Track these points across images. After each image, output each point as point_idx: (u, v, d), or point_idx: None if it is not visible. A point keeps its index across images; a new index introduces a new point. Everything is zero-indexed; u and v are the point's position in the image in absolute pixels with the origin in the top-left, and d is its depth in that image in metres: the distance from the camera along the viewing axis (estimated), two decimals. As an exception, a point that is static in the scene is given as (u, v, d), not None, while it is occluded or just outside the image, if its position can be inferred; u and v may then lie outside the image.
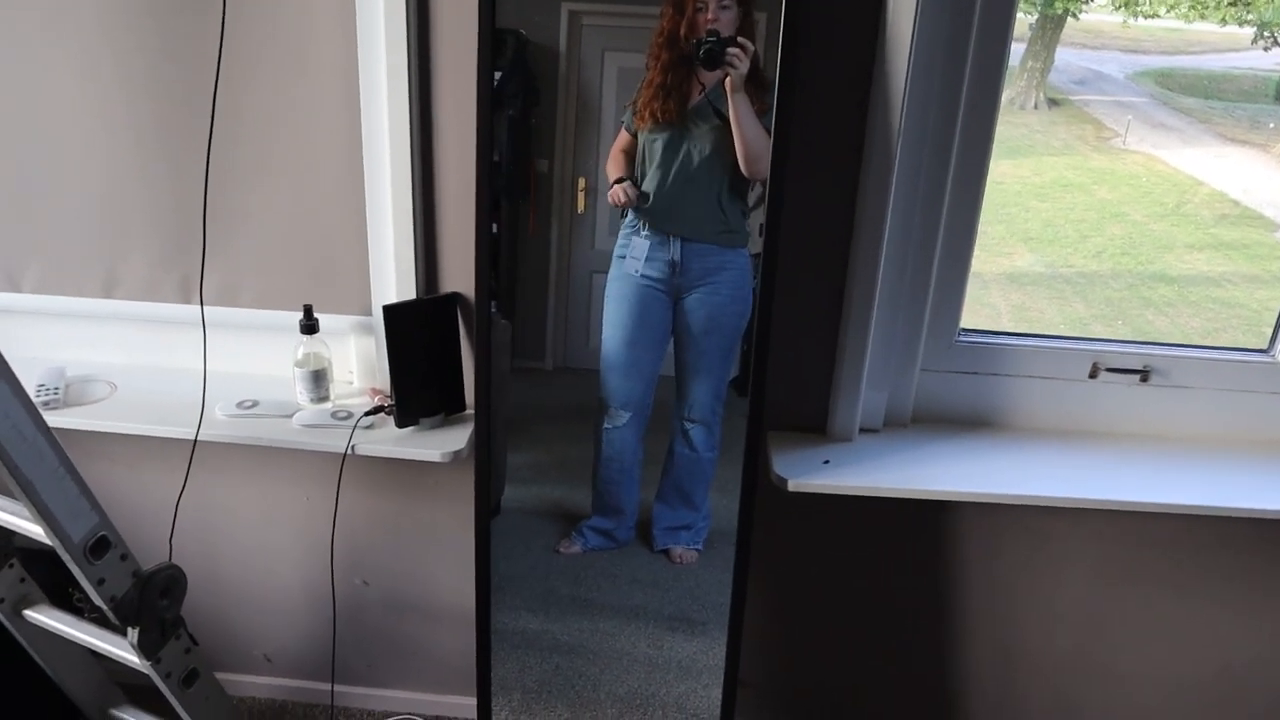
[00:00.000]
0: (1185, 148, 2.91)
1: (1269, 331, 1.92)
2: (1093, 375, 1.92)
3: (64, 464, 1.39)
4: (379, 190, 1.74)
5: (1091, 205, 3.15)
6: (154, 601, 1.58)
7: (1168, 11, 2.08)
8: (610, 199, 1.72)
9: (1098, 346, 1.92)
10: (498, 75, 1.64)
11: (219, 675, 2.22)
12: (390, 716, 2.23)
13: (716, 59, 1.61)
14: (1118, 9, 2.13)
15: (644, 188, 1.72)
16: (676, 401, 1.84)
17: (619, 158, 1.73)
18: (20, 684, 2.05)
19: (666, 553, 1.94)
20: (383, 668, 2.21)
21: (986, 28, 1.62)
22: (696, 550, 1.94)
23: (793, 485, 1.74)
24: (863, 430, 1.89)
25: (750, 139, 1.64)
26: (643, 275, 1.76)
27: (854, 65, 1.61)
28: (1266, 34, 2.02)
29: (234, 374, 1.95)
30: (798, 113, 1.60)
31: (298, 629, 2.20)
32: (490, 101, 1.61)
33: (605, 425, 1.86)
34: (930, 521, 1.95)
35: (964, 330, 1.90)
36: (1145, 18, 2.10)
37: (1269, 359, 1.93)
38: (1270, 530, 1.90)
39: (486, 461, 1.77)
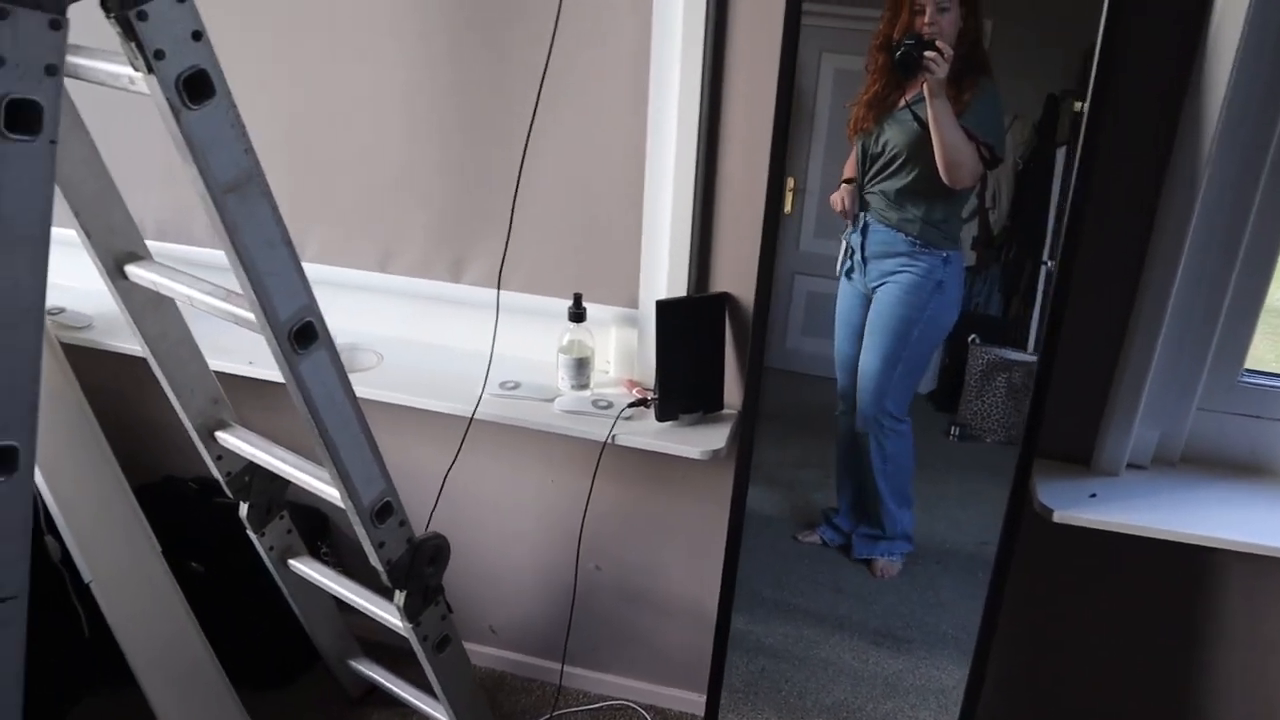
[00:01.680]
0: None
1: None
2: (1386, 428, 1.80)
3: (364, 431, 1.46)
4: (660, 184, 1.76)
5: None
6: (422, 568, 1.64)
7: None
8: (834, 202, 1.72)
9: (1395, 399, 1.79)
10: None
11: (445, 640, 2.31)
12: (607, 700, 2.27)
13: (913, 64, 1.56)
14: None
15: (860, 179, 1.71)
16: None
17: (850, 157, 1.71)
18: (264, 624, 2.18)
19: (867, 563, 1.91)
20: (605, 652, 2.25)
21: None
22: (897, 564, 1.89)
23: (1058, 517, 1.69)
24: (1129, 466, 1.81)
25: (949, 146, 1.60)
26: (847, 277, 1.75)
27: (1164, 84, 1.54)
28: None
29: (499, 355, 2.00)
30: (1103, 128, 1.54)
31: (526, 606, 2.26)
32: (788, 107, 1.61)
33: (836, 412, 1.85)
34: (1195, 568, 1.86)
35: (1248, 370, 1.80)
36: None
37: None
38: None
39: (746, 463, 1.78)
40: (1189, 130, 1.54)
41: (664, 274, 1.81)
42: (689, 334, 1.81)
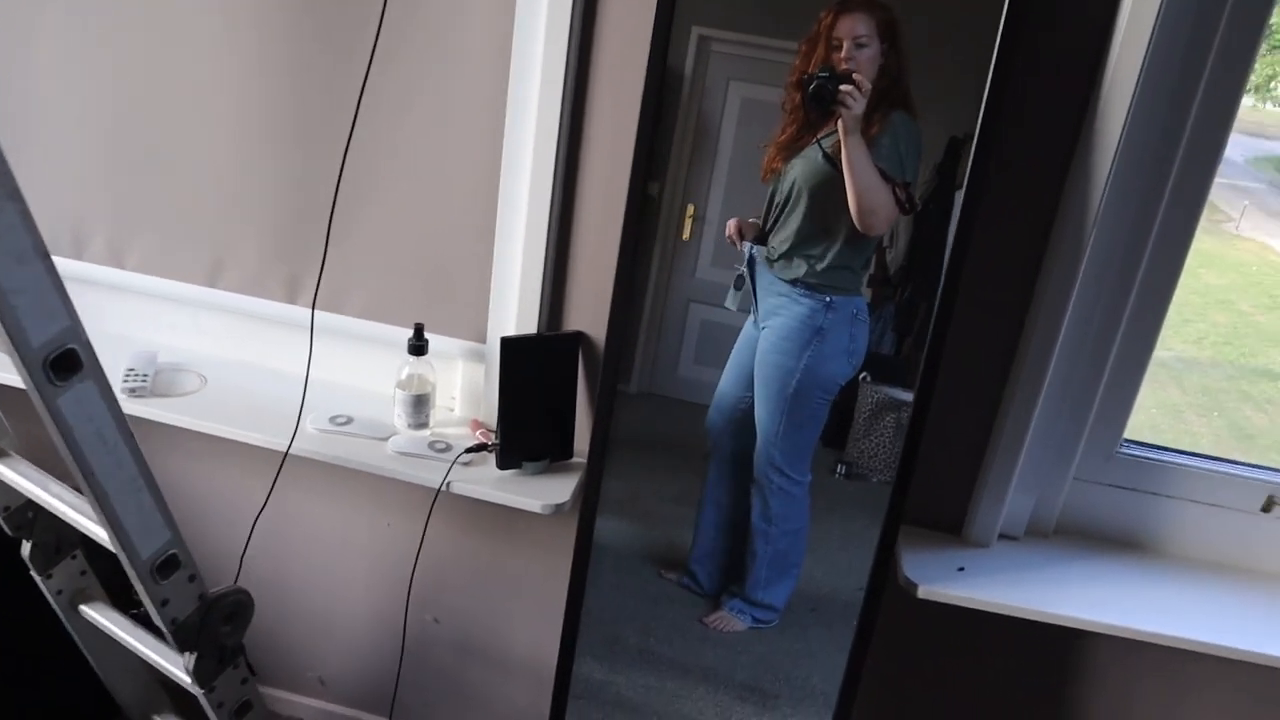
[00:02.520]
0: None
1: None
2: (1266, 509, 1.72)
3: (143, 474, 1.27)
4: (513, 213, 1.61)
5: (1197, 289, 2.84)
6: (216, 627, 1.46)
7: (1302, 100, 1.98)
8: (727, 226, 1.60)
9: (1277, 478, 1.71)
10: None
11: (268, 691, 2.11)
12: (441, 762, 2.10)
13: (827, 98, 1.44)
14: (1249, 92, 2.06)
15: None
16: None
17: None
18: (61, 674, 1.96)
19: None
20: (440, 709, 2.08)
21: (1205, 119, 1.44)
22: (742, 624, 1.76)
23: (923, 592, 1.57)
24: (1002, 536, 1.71)
25: (863, 188, 1.47)
26: (729, 306, 1.63)
27: (1053, 140, 1.44)
28: None
29: (330, 384, 1.83)
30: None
31: (358, 657, 2.07)
32: (651, 138, 1.47)
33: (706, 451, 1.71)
34: (1064, 647, 1.76)
35: (1127, 441, 1.71)
36: (1276, 104, 2.02)
37: None
38: None
39: (590, 521, 1.63)
40: (1078, 185, 1.44)
41: (513, 309, 1.66)
42: (537, 375, 1.66)
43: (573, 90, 1.53)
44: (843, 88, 1.42)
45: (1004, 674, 1.81)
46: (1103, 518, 1.75)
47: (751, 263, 1.59)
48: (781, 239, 1.56)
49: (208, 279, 1.83)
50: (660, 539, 1.79)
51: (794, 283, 1.57)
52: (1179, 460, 1.72)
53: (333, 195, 1.63)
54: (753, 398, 1.64)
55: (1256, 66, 2.11)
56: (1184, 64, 1.40)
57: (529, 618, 1.92)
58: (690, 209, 1.61)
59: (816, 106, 1.44)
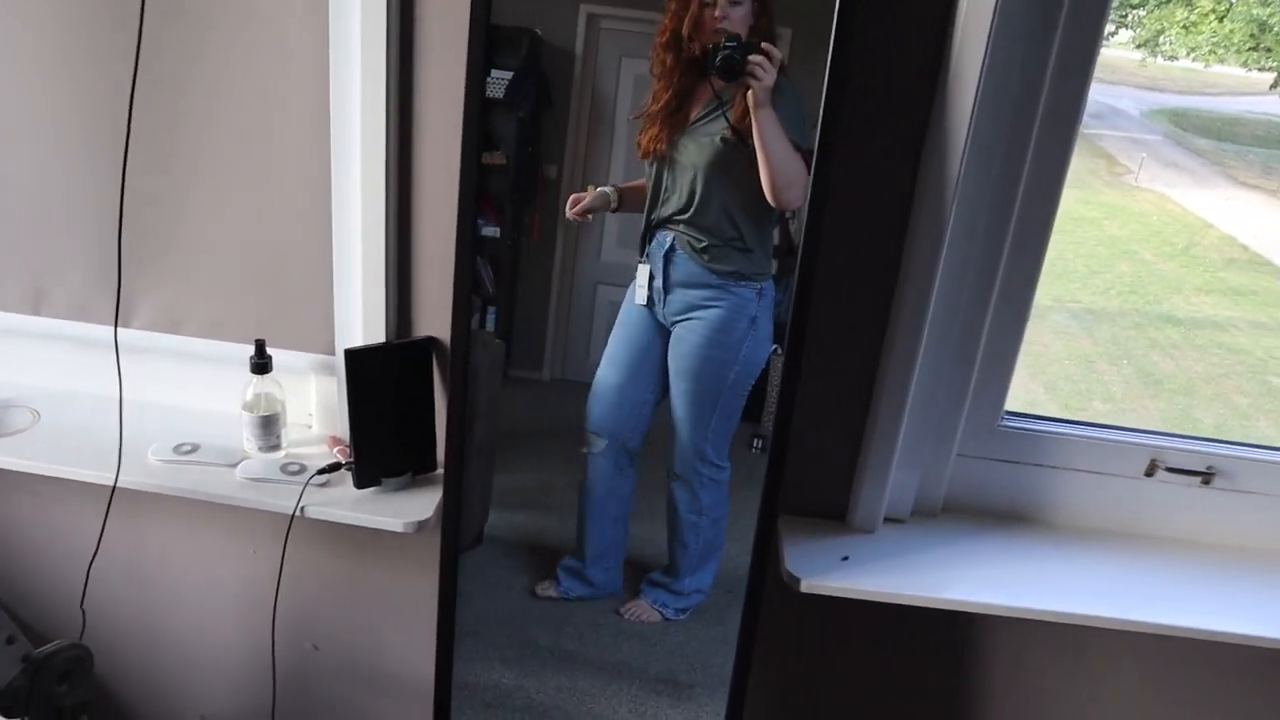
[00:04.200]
0: (1197, 189, 2.86)
1: (1275, 381, 1.70)
2: (1149, 473, 1.69)
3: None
4: (347, 214, 1.50)
5: (1101, 241, 3.06)
6: (49, 689, 1.35)
7: (1188, 54, 2.04)
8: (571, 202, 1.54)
9: (1157, 442, 1.69)
10: (509, 75, 1.48)
11: (149, 736, 2.00)
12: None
13: (736, 68, 1.35)
14: (1139, 47, 2.09)
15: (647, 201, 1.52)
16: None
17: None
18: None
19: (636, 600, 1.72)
20: (328, 739, 1.98)
21: (1064, 69, 1.39)
22: (661, 615, 1.71)
23: (806, 586, 1.51)
24: (887, 519, 1.65)
25: (780, 163, 1.40)
26: (637, 296, 1.56)
27: (907, 104, 1.38)
28: None
29: (176, 409, 1.72)
30: (839, 153, 1.36)
31: (239, 690, 1.96)
32: (479, 122, 1.37)
33: (587, 450, 1.65)
34: (958, 630, 1.72)
35: (1008, 413, 1.67)
36: (1166, 58, 2.07)
37: (1348, 465, 1.71)
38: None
39: (454, 536, 1.54)
40: (936, 146, 1.38)
41: (358, 318, 1.55)
42: (389, 387, 1.56)
43: (397, 76, 1.42)
44: (752, 58, 1.34)
45: (899, 660, 1.77)
46: (989, 493, 1.71)
47: (669, 254, 1.52)
48: (694, 227, 1.49)
49: (31, 306, 1.70)
50: (570, 530, 1.73)
51: (730, 275, 1.51)
52: (1061, 430, 1.68)
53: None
54: (658, 395, 1.59)
55: (1145, 22, 2.10)
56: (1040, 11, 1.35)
57: (410, 635, 1.83)
58: (590, 189, 1.56)
59: (727, 78, 1.37)
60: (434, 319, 1.57)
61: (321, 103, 1.44)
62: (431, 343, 1.58)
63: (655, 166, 1.49)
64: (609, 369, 1.60)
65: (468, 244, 1.42)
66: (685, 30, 1.38)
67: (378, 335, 1.56)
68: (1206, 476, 1.69)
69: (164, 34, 1.46)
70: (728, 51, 1.35)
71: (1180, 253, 2.95)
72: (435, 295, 1.55)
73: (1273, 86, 2.05)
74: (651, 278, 1.54)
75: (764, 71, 1.35)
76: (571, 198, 1.53)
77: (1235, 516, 1.71)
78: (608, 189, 1.54)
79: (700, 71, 1.41)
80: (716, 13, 1.37)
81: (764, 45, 1.34)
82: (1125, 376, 2.94)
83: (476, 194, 1.41)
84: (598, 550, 1.70)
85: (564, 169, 1.58)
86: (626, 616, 1.71)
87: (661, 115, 1.45)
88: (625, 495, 1.68)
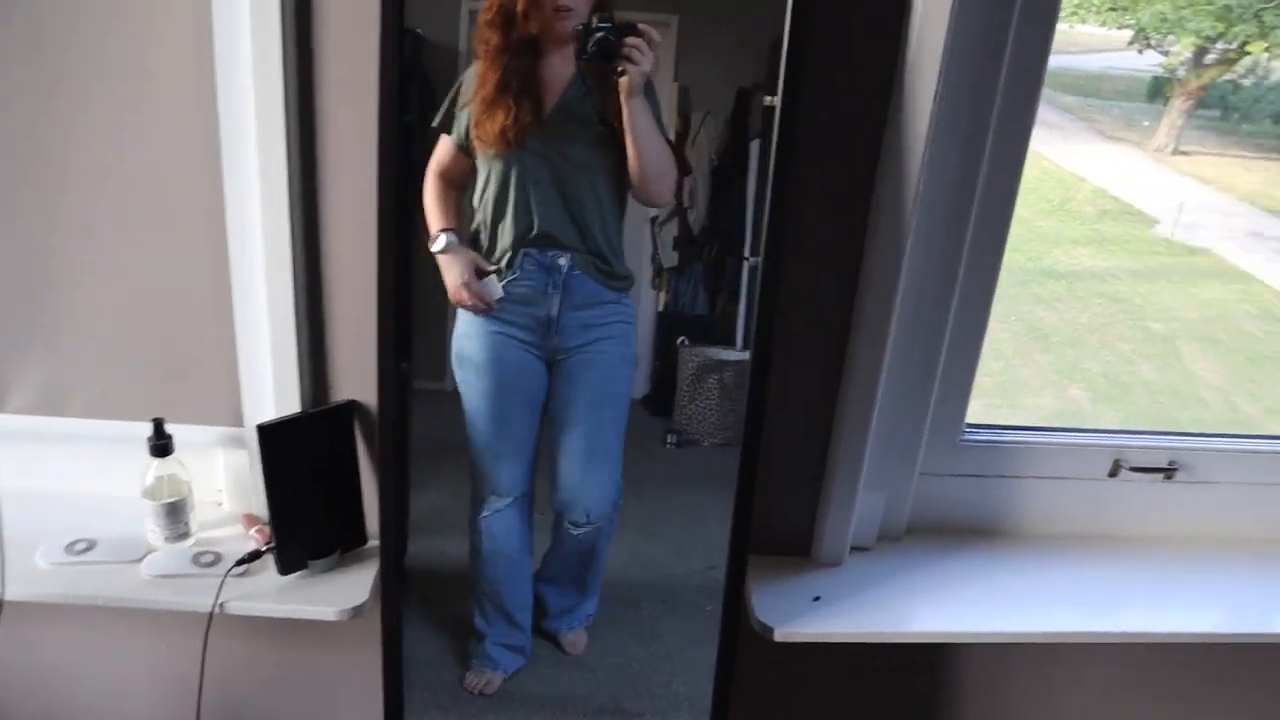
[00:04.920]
0: (1068, 144, 2.87)
1: (1155, 327, 1.70)
2: (1113, 474, 1.64)
3: None
4: (249, 273, 1.35)
5: None
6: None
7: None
8: (458, 300, 1.37)
9: (1119, 441, 1.64)
10: None
11: None
12: None
13: (611, 52, 1.23)
14: None
15: (493, 220, 1.34)
16: (558, 499, 1.47)
17: (441, 189, 1.34)
18: None
19: (556, 639, 1.58)
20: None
21: (1018, 73, 1.31)
22: (587, 630, 1.59)
23: (779, 635, 1.42)
24: (853, 548, 1.57)
25: (652, 155, 1.28)
26: (507, 334, 1.39)
27: (862, 109, 1.28)
28: (1143, 37, 2.13)
29: (67, 499, 1.53)
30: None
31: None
32: (397, 159, 1.23)
33: (483, 514, 1.48)
34: (933, 658, 1.65)
35: (970, 426, 1.60)
36: None
37: (1305, 447, 1.68)
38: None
39: (395, 617, 1.40)
40: (892, 160, 1.28)
41: (269, 387, 1.40)
42: (309, 459, 1.41)
43: (297, 113, 1.27)
44: (629, 40, 1.22)
45: (875, 695, 1.69)
46: (954, 510, 1.64)
47: (568, 276, 1.36)
48: (590, 237, 1.34)
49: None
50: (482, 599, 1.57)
51: (624, 284, 1.38)
52: (1023, 438, 1.63)
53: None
54: (537, 426, 1.45)
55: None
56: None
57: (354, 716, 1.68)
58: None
59: (601, 62, 1.24)
60: (354, 380, 1.43)
61: (211, 145, 1.28)
62: (353, 407, 1.43)
63: (502, 167, 1.31)
64: (490, 422, 1.44)
65: (390, 296, 1.28)
66: (520, 8, 1.24)
67: (291, 403, 1.41)
68: (1169, 472, 1.65)
69: (38, 81, 1.28)
70: (602, 33, 1.22)
71: (1057, 208, 2.95)
72: (354, 353, 1.41)
73: (1130, 43, 2.14)
74: (526, 304, 1.37)
75: (641, 55, 1.22)
76: (471, 297, 1.37)
77: (1200, 508, 1.68)
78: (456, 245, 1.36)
79: (535, 53, 1.27)
80: None
81: (642, 27, 1.22)
82: (1015, 333, 2.94)
83: (400, 237, 1.27)
84: (522, 609, 1.56)
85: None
86: (571, 650, 1.58)
87: (495, 101, 1.29)
88: (530, 545, 1.53)
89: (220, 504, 1.57)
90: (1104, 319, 2.99)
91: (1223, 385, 2.95)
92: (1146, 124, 2.73)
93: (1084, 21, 2.08)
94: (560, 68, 1.28)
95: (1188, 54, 2.23)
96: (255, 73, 1.22)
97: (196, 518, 1.49)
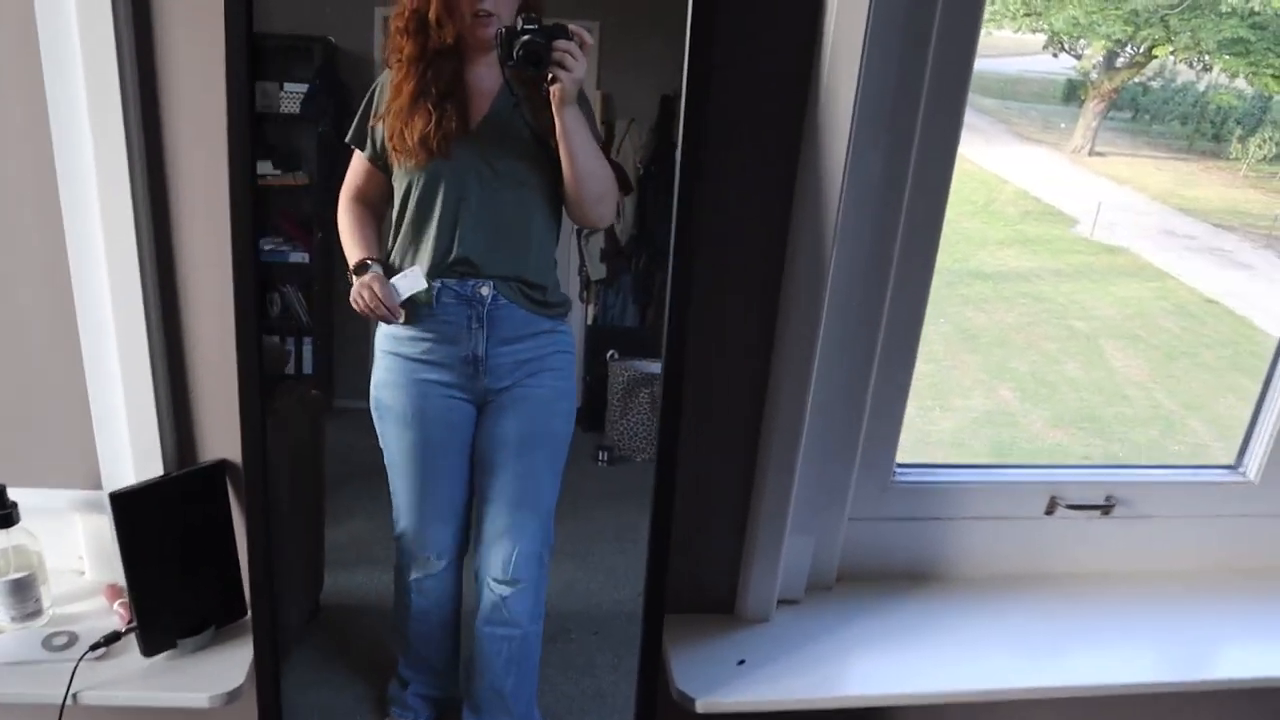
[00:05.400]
0: (988, 146, 2.93)
1: (1078, 325, 1.65)
2: (1049, 511, 1.57)
3: None
4: (97, 318, 1.19)
5: None
6: None
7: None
8: (355, 303, 1.18)
9: (1054, 477, 1.57)
10: (304, 89, 1.18)
11: None
12: None
13: (540, 57, 1.09)
14: None
15: (409, 246, 1.18)
16: (479, 552, 1.31)
17: (358, 214, 1.18)
18: None
19: None
20: None
21: (944, 66, 1.22)
22: None
23: (702, 706, 1.31)
24: (781, 601, 1.46)
25: (590, 172, 1.15)
26: (430, 379, 1.23)
27: (776, 116, 1.18)
28: (1056, 41, 2.19)
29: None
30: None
31: None
32: (252, 195, 1.09)
33: (415, 575, 1.32)
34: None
35: (900, 466, 1.50)
36: None
37: (1239, 475, 1.63)
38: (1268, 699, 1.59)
39: (273, 706, 1.26)
40: (809, 177, 1.18)
41: (126, 447, 1.24)
42: (174, 527, 1.26)
43: (137, 90, 1.11)
44: (558, 44, 1.08)
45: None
46: (886, 555, 1.55)
47: (492, 308, 1.20)
48: (521, 262, 1.19)
49: None
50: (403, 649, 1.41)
51: (559, 310, 1.23)
52: (956, 477, 1.54)
53: None
54: (466, 478, 1.29)
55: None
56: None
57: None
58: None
59: (528, 69, 1.09)
60: (225, 437, 1.28)
61: (45, 183, 1.13)
62: (224, 467, 1.29)
63: (424, 181, 1.16)
64: (424, 481, 1.28)
65: (253, 343, 1.14)
66: (433, 15, 1.10)
67: (154, 464, 1.26)
68: (1106, 508, 1.57)
69: None
70: (529, 36, 1.08)
71: (981, 210, 3.00)
72: (223, 409, 1.26)
73: (1045, 47, 2.19)
74: (449, 344, 1.21)
75: (574, 60, 1.09)
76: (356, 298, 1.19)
77: (1138, 543, 1.62)
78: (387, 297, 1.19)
79: (459, 59, 1.13)
80: None
81: (573, 29, 1.09)
82: (944, 334, 3.00)
83: (258, 274, 1.13)
84: (449, 662, 1.41)
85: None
86: None
87: (412, 110, 1.13)
88: (460, 601, 1.36)
89: (82, 573, 1.41)
90: (1029, 318, 3.03)
91: (1144, 381, 3.00)
92: (1063, 126, 2.75)
93: (1000, 26, 2.08)
94: (488, 75, 1.14)
95: (1099, 58, 2.28)
96: (90, 99, 1.07)
97: (50, 591, 1.33)
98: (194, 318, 1.22)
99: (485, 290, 1.19)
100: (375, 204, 1.18)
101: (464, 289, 1.19)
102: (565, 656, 1.44)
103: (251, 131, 1.06)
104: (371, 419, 1.25)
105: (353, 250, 1.17)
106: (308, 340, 1.39)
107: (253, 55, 1.05)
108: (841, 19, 1.09)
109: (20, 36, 1.08)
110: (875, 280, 1.29)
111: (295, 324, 1.32)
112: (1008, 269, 3.11)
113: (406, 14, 1.10)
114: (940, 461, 1.57)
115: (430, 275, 1.17)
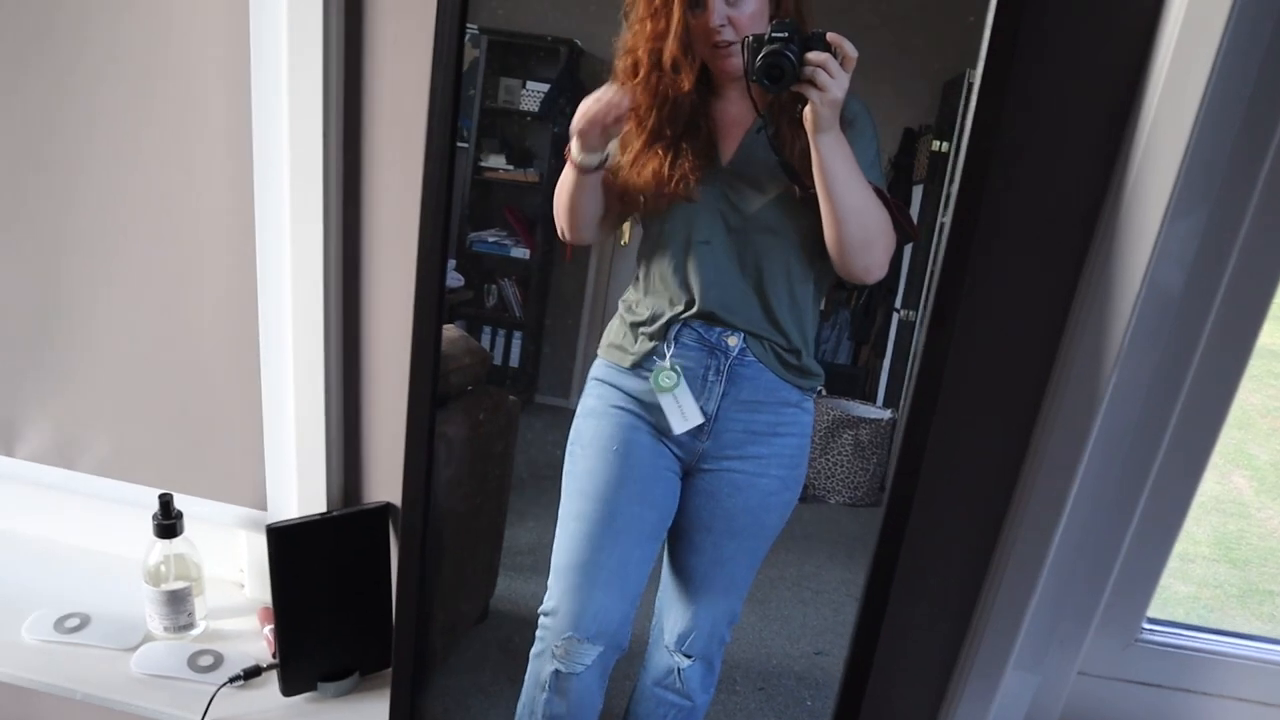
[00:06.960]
0: None
1: None
2: (1336, 704, 1.28)
3: None
4: (277, 353, 1.13)
5: None
6: None
7: None
8: (579, 119, 0.99)
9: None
10: (544, 88, 1.13)
11: None
12: None
13: (782, 70, 0.89)
14: None
15: (644, 297, 1.04)
16: (657, 610, 1.15)
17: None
18: None
19: None
20: None
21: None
22: None
23: None
24: (984, 753, 1.25)
25: (852, 213, 0.95)
26: (643, 417, 1.06)
27: (1070, 186, 0.97)
28: None
29: (71, 558, 1.36)
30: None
31: None
32: (445, 235, 0.99)
33: (556, 668, 1.10)
34: None
35: (1151, 620, 1.26)
36: None
37: None
38: None
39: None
40: (1094, 287, 0.97)
41: (292, 481, 1.18)
42: (331, 567, 1.18)
43: (340, 180, 1.04)
44: (811, 56, 0.89)
45: None
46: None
47: (736, 363, 1.03)
48: (773, 320, 1.02)
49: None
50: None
51: (811, 385, 1.06)
52: (1218, 647, 1.27)
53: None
54: (652, 554, 1.11)
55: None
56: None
57: None
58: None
59: (773, 88, 0.90)
60: (392, 480, 1.19)
61: (244, 215, 1.06)
62: (389, 511, 1.20)
63: (661, 222, 1.01)
64: (603, 535, 1.08)
65: (427, 397, 1.04)
66: (667, 58, 0.94)
67: (317, 503, 1.18)
68: None
69: (71, 117, 1.09)
70: (775, 46, 0.88)
71: None
72: (393, 454, 1.17)
73: None
74: (683, 393, 1.03)
75: (829, 78, 0.89)
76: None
77: None
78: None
79: (707, 89, 0.96)
80: (714, 19, 0.93)
81: (832, 38, 0.89)
82: None
83: (437, 343, 1.04)
84: None
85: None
86: None
87: (652, 141, 0.98)
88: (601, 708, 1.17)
89: (242, 585, 1.36)
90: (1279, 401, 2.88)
91: None
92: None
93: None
94: (739, 104, 0.97)
95: None
96: (291, 147, 0.99)
97: (206, 602, 1.29)
98: (374, 360, 1.13)
99: (733, 340, 1.02)
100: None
101: (710, 335, 1.02)
102: (726, 710, 1.28)
103: (450, 175, 0.95)
104: (565, 419, 1.12)
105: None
106: (517, 335, 1.31)
107: (456, 92, 0.94)
108: (1172, 81, 0.87)
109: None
110: (1161, 398, 1.07)
111: (509, 317, 1.24)
112: (1261, 344, 2.76)
113: (647, 46, 0.96)
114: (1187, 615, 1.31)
115: (670, 317, 1.02)
